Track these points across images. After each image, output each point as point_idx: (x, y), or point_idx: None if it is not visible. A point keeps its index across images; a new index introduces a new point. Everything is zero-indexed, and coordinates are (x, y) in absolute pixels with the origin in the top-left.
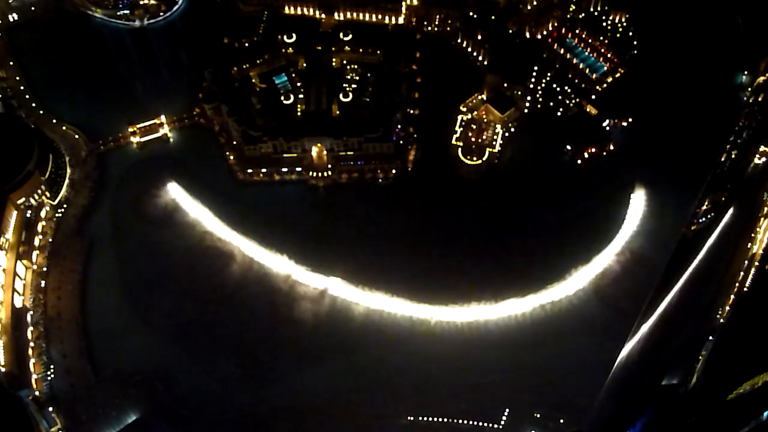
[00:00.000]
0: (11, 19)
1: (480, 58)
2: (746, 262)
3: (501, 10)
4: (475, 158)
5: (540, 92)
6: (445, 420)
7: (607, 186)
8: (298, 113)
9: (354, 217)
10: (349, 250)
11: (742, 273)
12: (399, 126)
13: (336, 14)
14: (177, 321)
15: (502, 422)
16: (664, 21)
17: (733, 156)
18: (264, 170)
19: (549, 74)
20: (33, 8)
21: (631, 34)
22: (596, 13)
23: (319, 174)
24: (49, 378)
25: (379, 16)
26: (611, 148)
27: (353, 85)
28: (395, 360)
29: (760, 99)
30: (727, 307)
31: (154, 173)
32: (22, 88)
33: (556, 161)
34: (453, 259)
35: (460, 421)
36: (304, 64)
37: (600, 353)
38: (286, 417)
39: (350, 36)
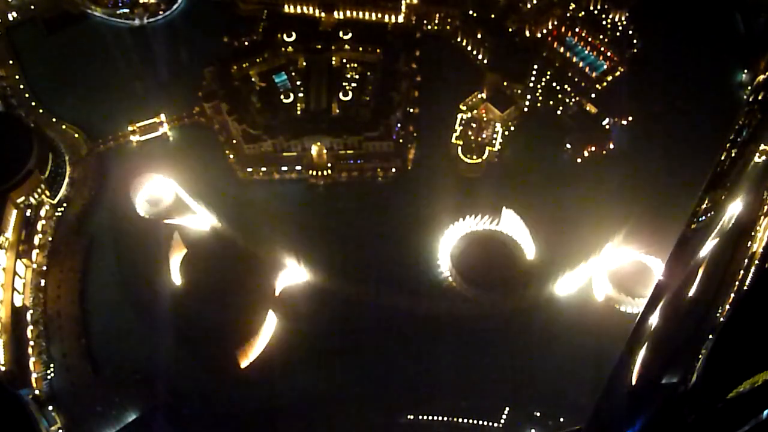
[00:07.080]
0: (11, 18)
1: (480, 56)
2: (746, 261)
3: (501, 9)
4: (474, 157)
5: (540, 91)
6: (445, 418)
7: (607, 184)
8: (298, 112)
9: (354, 215)
10: (349, 248)
11: (742, 272)
12: (399, 125)
13: (336, 13)
14: (177, 319)
15: (502, 421)
16: (664, 20)
17: (732, 155)
18: (264, 169)
19: (549, 73)
20: (33, 7)
21: (631, 32)
22: (596, 12)
23: (319, 173)
24: (48, 377)
25: (379, 15)
26: (611, 146)
27: (353, 84)
28: (395, 358)
29: (760, 97)
30: (727, 306)
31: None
32: (21, 87)
33: (555, 160)
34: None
35: (460, 420)
36: (304, 63)
37: (600, 353)
38: (286, 415)
39: (350, 34)
